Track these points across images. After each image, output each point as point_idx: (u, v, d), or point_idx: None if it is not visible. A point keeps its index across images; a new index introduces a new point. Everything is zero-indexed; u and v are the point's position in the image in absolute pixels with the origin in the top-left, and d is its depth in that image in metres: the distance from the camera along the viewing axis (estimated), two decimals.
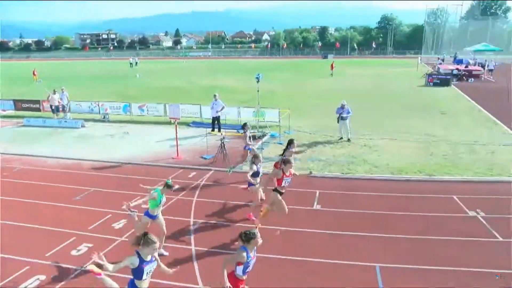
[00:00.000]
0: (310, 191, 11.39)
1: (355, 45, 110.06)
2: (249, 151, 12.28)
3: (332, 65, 47.02)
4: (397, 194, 11.16)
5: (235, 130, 18.69)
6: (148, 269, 5.20)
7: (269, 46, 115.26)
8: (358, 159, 14.15)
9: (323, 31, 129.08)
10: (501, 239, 8.61)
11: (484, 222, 9.40)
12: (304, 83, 39.34)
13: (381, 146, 15.94)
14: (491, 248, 8.29)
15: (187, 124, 20.40)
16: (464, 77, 40.27)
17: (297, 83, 39.95)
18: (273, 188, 8.88)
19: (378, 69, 55.29)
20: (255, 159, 9.69)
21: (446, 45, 78.85)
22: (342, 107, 16.68)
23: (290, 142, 11.01)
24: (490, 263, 7.63)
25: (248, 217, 9.39)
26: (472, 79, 40.24)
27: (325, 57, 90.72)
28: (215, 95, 18.51)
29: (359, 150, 15.37)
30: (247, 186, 9.85)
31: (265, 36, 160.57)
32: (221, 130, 18.09)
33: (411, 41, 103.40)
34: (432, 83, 35.93)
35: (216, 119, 18.49)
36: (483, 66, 45.68)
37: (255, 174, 9.60)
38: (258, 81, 16.38)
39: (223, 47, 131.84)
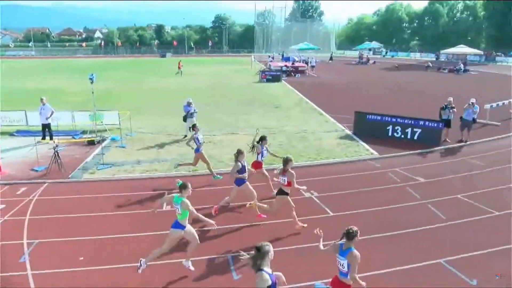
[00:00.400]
0: (159, 192, 11.15)
1: (192, 43, 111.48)
2: (200, 152, 11.93)
3: (179, 63, 46.36)
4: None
5: (70, 137, 17.13)
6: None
7: (102, 44, 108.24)
8: None
9: (159, 29, 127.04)
10: (331, 214, 9.83)
11: (317, 201, 10.58)
12: (143, 83, 38.19)
13: (224, 141, 16.53)
14: (325, 222, 9.36)
15: (10, 134, 17.85)
16: (292, 73, 44.47)
17: (136, 82, 38.52)
18: (280, 191, 8.71)
19: (216, 67, 57.07)
20: (239, 155, 9.32)
21: (275, 44, 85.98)
22: (189, 104, 16.74)
23: (263, 139, 10.89)
24: (326, 236, 8.59)
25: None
26: (299, 74, 44.72)
27: (163, 55, 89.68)
28: (42, 99, 16.47)
29: (203, 147, 15.61)
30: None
31: (97, 34, 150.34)
32: (53, 137, 16.30)
33: (244, 40, 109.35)
34: (265, 80, 38.75)
35: (46, 126, 16.54)
36: (306, 63, 51.18)
37: (242, 171, 9.31)
38: (92, 82, 15.23)
39: (48, 45, 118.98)
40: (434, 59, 68.04)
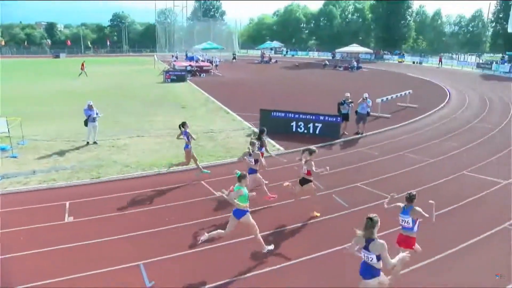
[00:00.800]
0: (58, 203, 10.33)
1: (89, 43, 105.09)
2: (189, 148, 11.92)
3: (82, 64, 43.01)
4: (152, 189, 11.36)
5: None
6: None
7: None
8: (107, 161, 13.66)
9: (51, 27, 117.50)
10: None
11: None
12: (36, 85, 35.06)
13: (129, 144, 15.85)
14: None
15: None
16: (197, 73, 44.13)
17: (27, 85, 35.22)
18: (303, 179, 9.31)
19: (117, 68, 54.58)
20: (252, 145, 10.09)
21: (178, 43, 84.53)
22: (90, 107, 15.68)
23: (262, 131, 11.78)
24: (241, 233, 8.69)
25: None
26: (204, 74, 44.56)
27: (57, 56, 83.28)
28: None
29: (107, 152, 14.85)
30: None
31: None
32: None
33: (145, 39, 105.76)
34: (169, 80, 37.92)
35: None
36: (211, 62, 51.17)
37: (255, 161, 10.06)
38: None
39: None
40: (331, 57, 72.37)
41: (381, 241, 5.50)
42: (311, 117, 17.35)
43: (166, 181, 11.99)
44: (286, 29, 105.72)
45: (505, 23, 66.28)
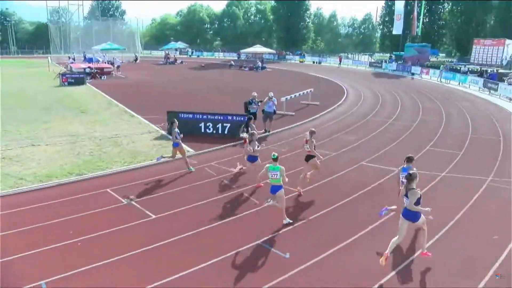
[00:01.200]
0: None
1: None
2: (176, 146, 12.63)
3: None
4: (51, 201, 10.49)
5: None
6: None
7: None
8: None
9: None
10: (154, 216, 9.66)
11: (138, 205, 10.26)
12: None
13: (23, 155, 14.45)
14: (149, 225, 9.19)
15: None
16: (97, 75, 41.70)
17: None
18: (308, 156, 11.17)
19: (5, 70, 49.44)
20: (252, 136, 11.51)
21: (74, 44, 79.11)
22: None
23: (250, 118, 13.62)
24: (149, 240, 8.42)
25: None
26: (105, 76, 42.30)
27: None
28: None
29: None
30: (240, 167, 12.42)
31: None
32: None
33: (37, 39, 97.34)
34: (67, 83, 35.29)
35: None
36: (112, 64, 48.77)
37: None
38: None
39: None
40: (236, 58, 73.34)
41: (418, 190, 7.19)
42: (219, 117, 17.41)
43: (68, 191, 11.17)
44: (191, 30, 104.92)
45: (390, 26, 73.08)
